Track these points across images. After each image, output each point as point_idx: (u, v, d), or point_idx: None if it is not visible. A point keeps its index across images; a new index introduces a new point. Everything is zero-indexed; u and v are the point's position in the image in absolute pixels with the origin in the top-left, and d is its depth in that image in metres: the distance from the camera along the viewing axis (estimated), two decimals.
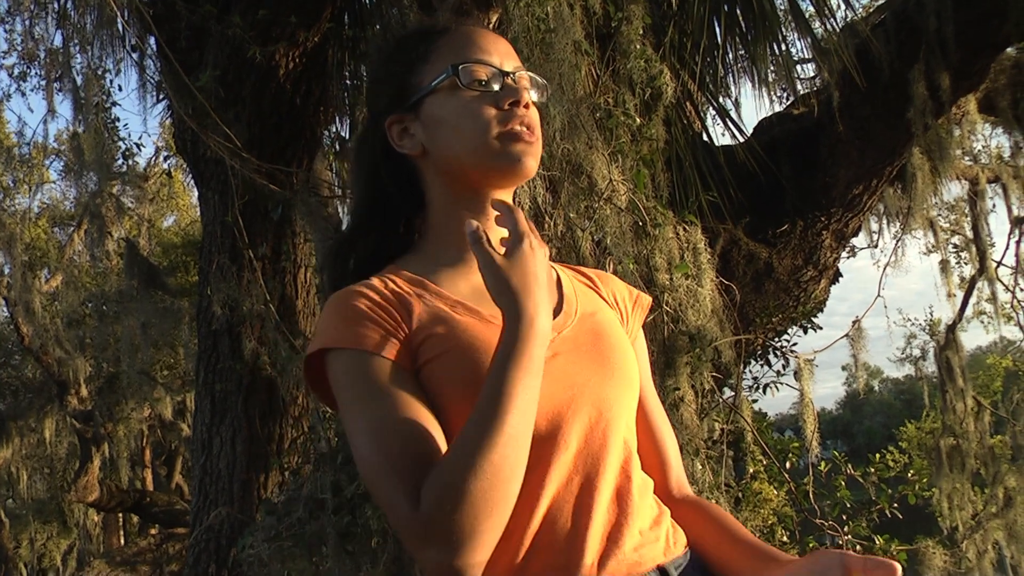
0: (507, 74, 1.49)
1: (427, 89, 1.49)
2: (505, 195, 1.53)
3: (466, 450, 1.23)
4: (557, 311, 1.49)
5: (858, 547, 5.04)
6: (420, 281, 1.47)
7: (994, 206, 9.46)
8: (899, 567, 1.24)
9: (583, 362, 1.44)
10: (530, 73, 1.54)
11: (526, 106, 1.47)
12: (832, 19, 5.11)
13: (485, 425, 1.24)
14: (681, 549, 1.46)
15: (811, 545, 5.27)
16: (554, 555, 1.33)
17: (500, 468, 1.23)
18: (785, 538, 5.45)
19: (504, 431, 1.24)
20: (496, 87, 1.47)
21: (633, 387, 1.50)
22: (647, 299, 1.70)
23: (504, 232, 1.49)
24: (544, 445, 1.35)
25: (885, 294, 8.06)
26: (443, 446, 1.30)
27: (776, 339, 5.80)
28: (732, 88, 5.23)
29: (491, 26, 4.05)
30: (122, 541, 18.49)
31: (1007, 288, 9.88)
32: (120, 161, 7.32)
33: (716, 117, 5.46)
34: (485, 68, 1.48)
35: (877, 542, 5.06)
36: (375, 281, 1.45)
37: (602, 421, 1.41)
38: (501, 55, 1.51)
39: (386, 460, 1.28)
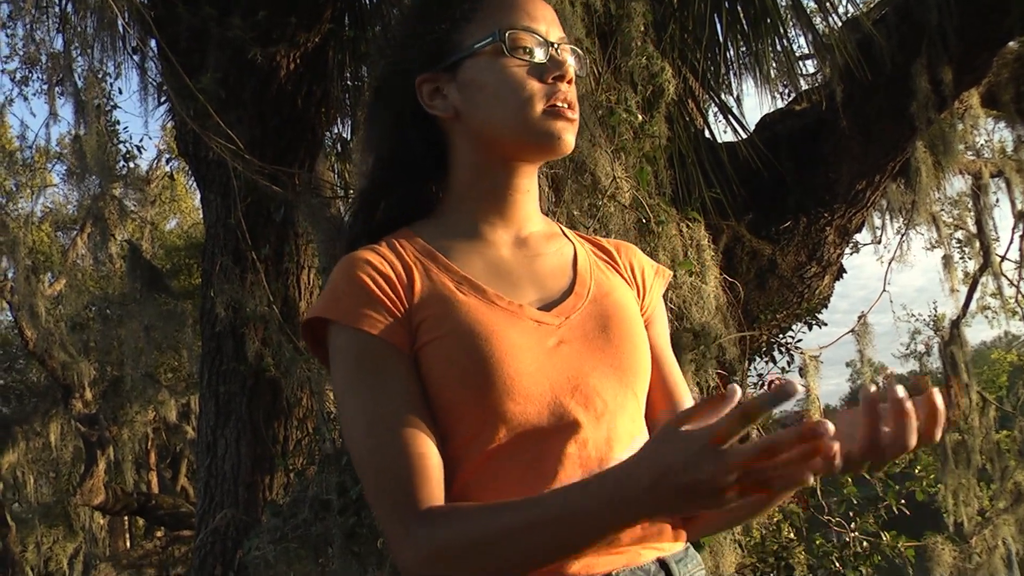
0: (551, 44, 1.43)
1: (468, 51, 1.42)
2: (533, 169, 1.49)
3: (504, 528, 1.21)
4: (568, 292, 1.45)
5: (865, 544, 5.04)
6: (430, 251, 1.42)
7: (997, 200, 9.45)
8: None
9: (589, 349, 1.39)
10: (571, 45, 1.48)
11: (569, 81, 1.42)
12: (834, 14, 5.10)
13: (539, 524, 1.19)
14: (682, 544, 1.43)
15: (818, 543, 5.26)
16: None
17: (514, 561, 1.22)
18: (792, 535, 5.44)
19: (546, 539, 1.20)
20: (541, 58, 1.42)
21: (642, 376, 1.46)
22: (668, 272, 1.65)
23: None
24: (549, 438, 1.33)
25: (887, 290, 8.05)
26: (436, 445, 1.30)
27: (781, 336, 5.79)
28: (734, 84, 5.22)
29: None
30: (128, 544, 18.51)
31: (1011, 283, 9.88)
32: (121, 164, 7.32)
33: (718, 114, 5.46)
34: (531, 36, 1.42)
35: (885, 538, 5.05)
36: (384, 248, 1.41)
37: (607, 413, 1.37)
38: (548, 23, 1.45)
39: (381, 456, 1.29)
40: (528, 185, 1.49)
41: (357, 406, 1.32)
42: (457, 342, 1.33)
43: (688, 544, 1.45)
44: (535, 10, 1.45)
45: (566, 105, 1.41)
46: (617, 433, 1.37)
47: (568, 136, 1.42)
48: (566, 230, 1.58)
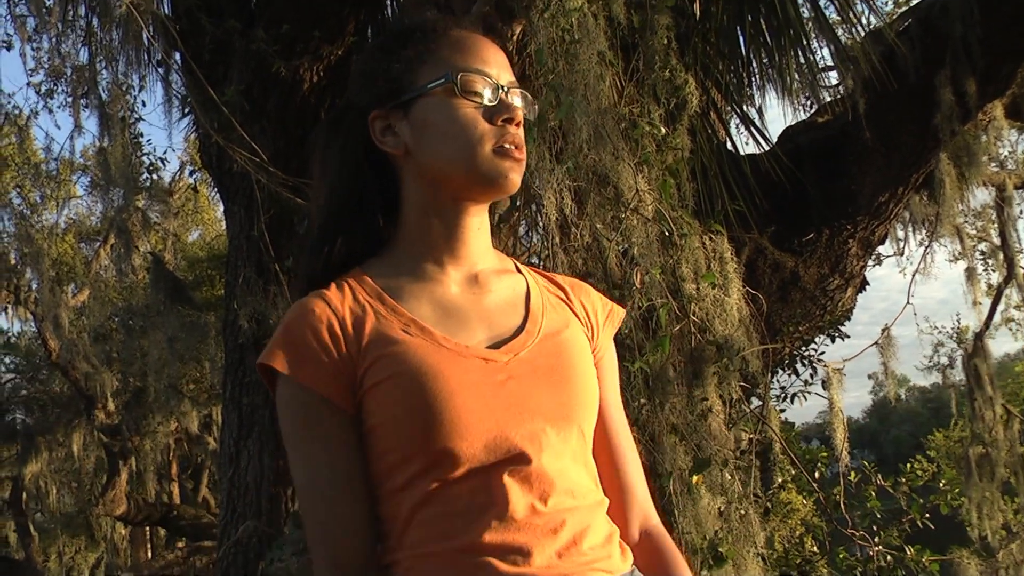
0: (501, 88, 1.48)
1: (421, 90, 1.48)
2: (482, 207, 1.53)
3: None
4: (520, 329, 1.49)
5: (889, 558, 5.01)
6: (379, 294, 1.47)
7: (1021, 212, 9.41)
8: None
9: (537, 386, 1.44)
10: (521, 89, 1.53)
11: (517, 124, 1.47)
12: (857, 26, 5.09)
13: None
14: (628, 566, 1.47)
15: (841, 556, 5.23)
16: (500, 565, 1.35)
17: None
18: (815, 548, 5.42)
19: None
20: (491, 101, 1.47)
21: (589, 412, 1.50)
22: (620, 312, 1.69)
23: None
24: (495, 471, 1.38)
25: (911, 302, 8.00)
26: (366, 505, 1.41)
27: (803, 348, 5.77)
28: (756, 96, 5.21)
29: (514, 37, 4.06)
30: (149, 555, 18.57)
31: None
32: (145, 176, 7.36)
33: (740, 126, 5.45)
34: (483, 79, 1.47)
35: (909, 552, 5.01)
36: (333, 295, 1.46)
37: (552, 447, 1.41)
38: (499, 67, 1.51)
39: (313, 515, 1.41)
40: (479, 223, 1.53)
41: (297, 459, 1.43)
42: (404, 383, 1.38)
43: (634, 567, 1.50)
44: (487, 54, 1.51)
45: (514, 146, 1.46)
46: (560, 467, 1.42)
47: (514, 176, 1.47)
48: (521, 266, 1.63)
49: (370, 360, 1.40)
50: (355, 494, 1.40)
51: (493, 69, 1.49)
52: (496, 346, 1.45)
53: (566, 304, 1.60)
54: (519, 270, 1.61)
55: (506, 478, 1.37)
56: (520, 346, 1.46)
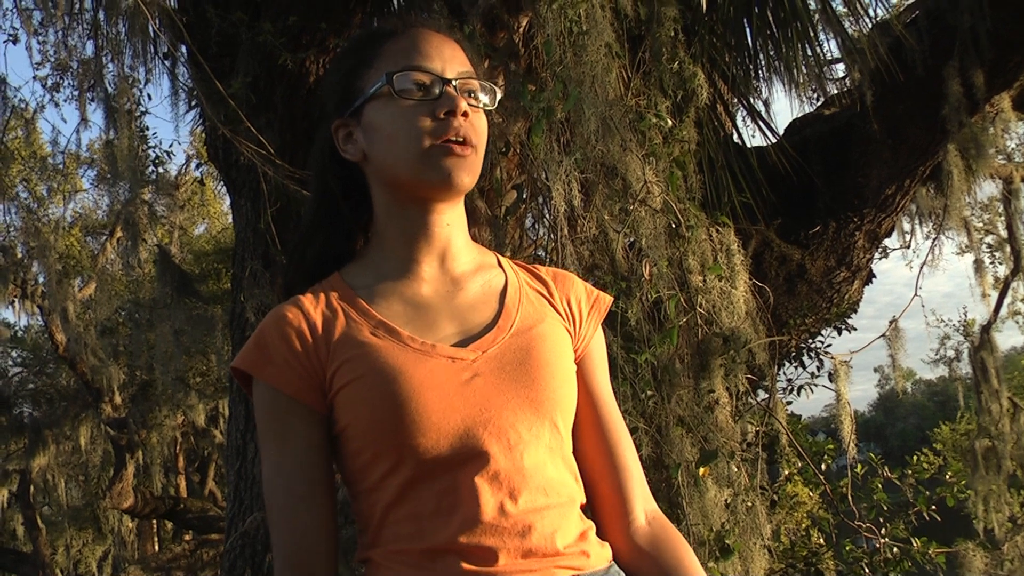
0: (447, 81, 1.46)
1: (366, 95, 1.49)
2: (449, 206, 1.52)
3: None
4: (491, 325, 1.49)
5: (895, 550, 5.01)
6: (352, 297, 1.49)
7: None
8: None
9: (505, 382, 1.44)
10: (481, 80, 1.52)
11: (464, 115, 1.45)
12: (864, 17, 5.08)
13: None
14: (603, 562, 1.47)
15: (848, 548, 5.24)
16: (467, 567, 1.36)
17: None
18: (821, 541, 5.42)
19: None
20: (434, 95, 1.46)
21: (563, 406, 1.49)
22: (606, 299, 1.67)
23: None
24: (460, 469, 1.39)
25: (919, 295, 7.99)
26: (326, 507, 1.45)
27: (810, 341, 5.77)
28: (763, 89, 5.20)
29: (520, 29, 4.05)
30: (156, 547, 18.62)
31: None
32: (151, 169, 7.37)
33: (747, 118, 5.44)
34: (423, 75, 1.46)
35: (915, 544, 5.01)
36: (307, 300, 1.48)
37: (520, 443, 1.41)
38: (445, 60, 1.49)
39: (276, 510, 1.44)
40: (449, 219, 1.53)
41: (266, 456, 1.46)
42: (369, 384, 1.40)
43: (612, 562, 1.50)
44: (431, 49, 1.49)
45: (460, 140, 1.44)
46: (531, 463, 1.42)
47: (459, 173, 1.45)
48: (503, 259, 1.63)
49: (338, 363, 1.42)
50: (317, 490, 1.44)
51: (437, 63, 1.48)
52: (464, 343, 1.46)
53: (546, 298, 1.59)
54: (500, 264, 1.61)
55: (474, 478, 1.38)
56: (489, 343, 1.47)
